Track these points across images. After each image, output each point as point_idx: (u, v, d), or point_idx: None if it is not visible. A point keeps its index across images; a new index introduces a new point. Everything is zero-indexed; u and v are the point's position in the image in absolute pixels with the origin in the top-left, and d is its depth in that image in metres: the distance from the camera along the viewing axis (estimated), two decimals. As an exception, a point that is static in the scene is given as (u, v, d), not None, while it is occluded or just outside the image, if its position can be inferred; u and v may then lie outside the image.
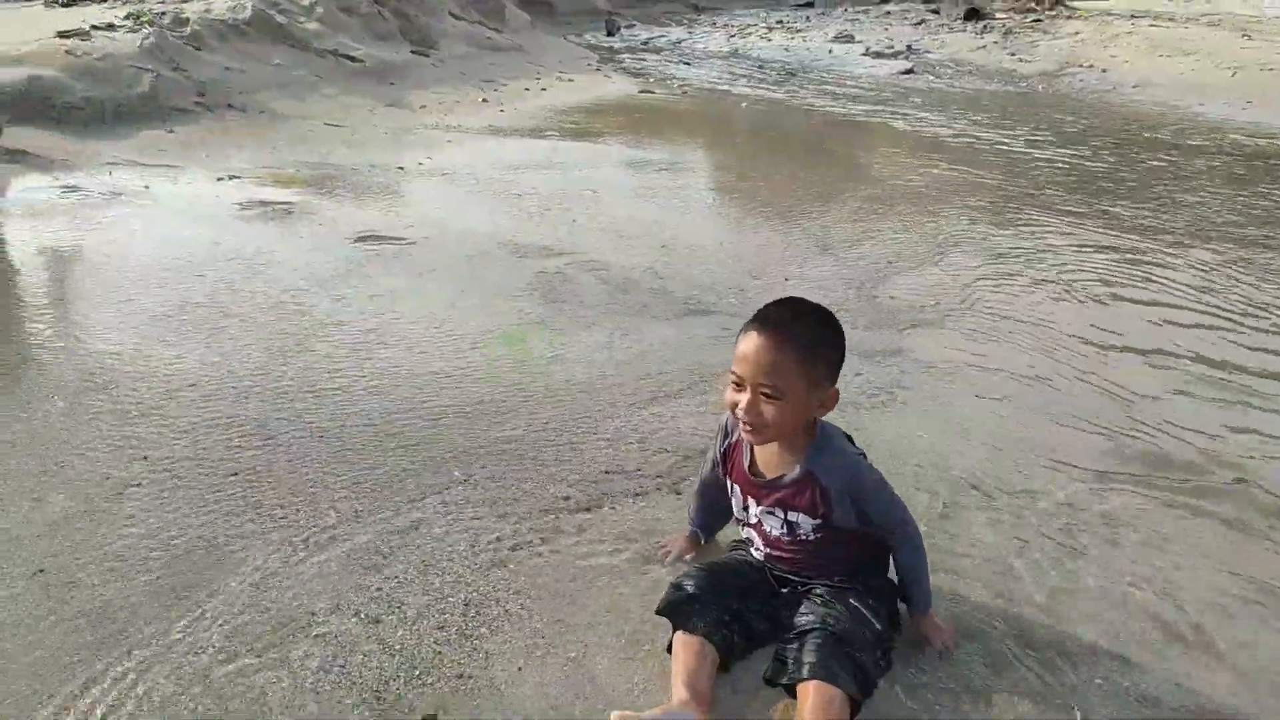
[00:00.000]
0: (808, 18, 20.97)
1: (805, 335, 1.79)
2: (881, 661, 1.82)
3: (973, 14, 18.75)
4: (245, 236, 4.61)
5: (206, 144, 6.40)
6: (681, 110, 9.80)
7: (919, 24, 18.91)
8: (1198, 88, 11.36)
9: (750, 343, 1.78)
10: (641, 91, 10.90)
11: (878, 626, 1.84)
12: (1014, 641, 2.00)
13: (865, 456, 1.94)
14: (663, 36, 18.85)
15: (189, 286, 3.88)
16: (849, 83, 12.94)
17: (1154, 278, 4.59)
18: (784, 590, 1.99)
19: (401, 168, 6.18)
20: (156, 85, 6.88)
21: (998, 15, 18.95)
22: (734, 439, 2.00)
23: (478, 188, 5.81)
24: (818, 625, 1.81)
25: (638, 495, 2.53)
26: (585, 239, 4.84)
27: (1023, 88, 12.67)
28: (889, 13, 21.31)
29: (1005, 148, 8.06)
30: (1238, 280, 4.60)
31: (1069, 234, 5.35)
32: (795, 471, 1.88)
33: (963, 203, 6.01)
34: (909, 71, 14.14)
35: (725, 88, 11.99)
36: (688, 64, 14.52)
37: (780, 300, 1.90)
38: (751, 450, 1.96)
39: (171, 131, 6.57)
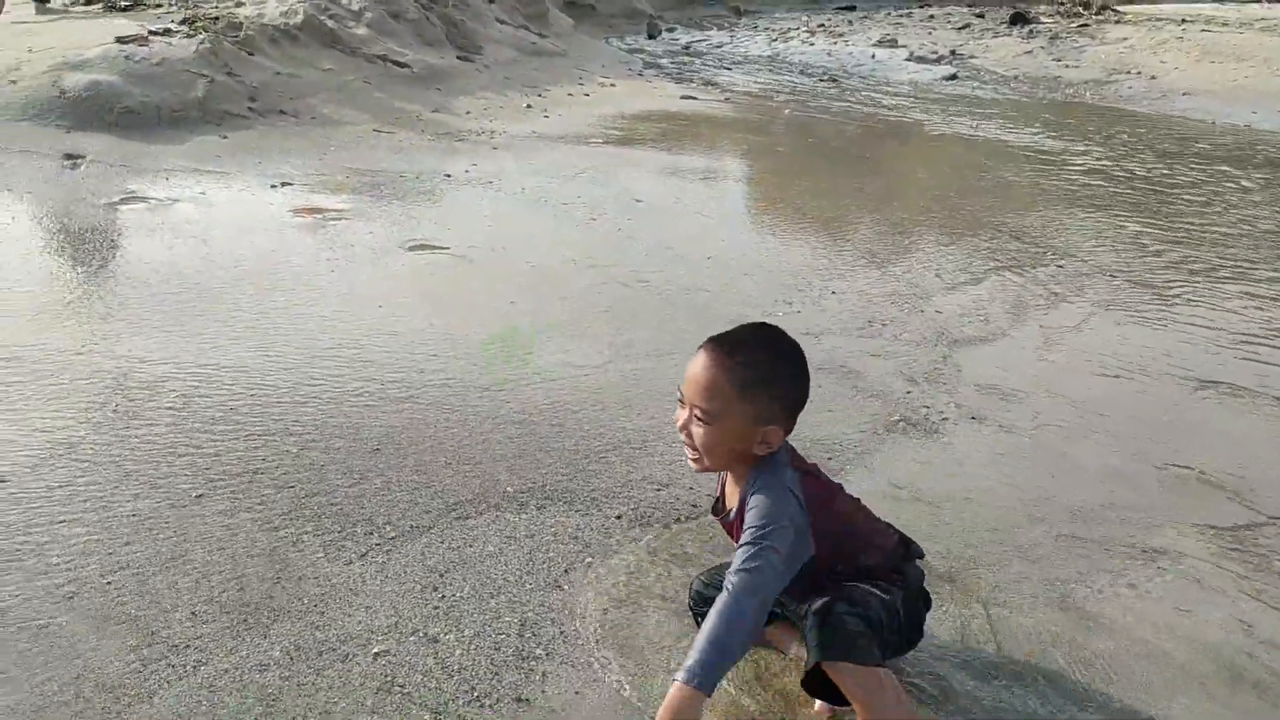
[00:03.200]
0: (850, 21, 20.82)
1: (752, 367, 1.70)
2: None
3: (1018, 19, 18.51)
4: (298, 245, 4.69)
5: (259, 149, 6.51)
6: (724, 117, 9.80)
7: (963, 28, 18.72)
8: (1252, 95, 11.13)
9: (697, 362, 1.73)
10: (684, 97, 10.90)
11: (885, 597, 1.77)
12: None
13: (797, 497, 1.72)
14: (704, 40, 18.83)
15: (242, 295, 3.96)
16: (892, 88, 12.85)
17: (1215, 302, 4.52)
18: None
19: (449, 175, 6.24)
20: (211, 90, 7.02)
21: (1043, 20, 18.70)
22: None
23: (523, 196, 5.86)
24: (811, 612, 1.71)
25: (689, 516, 2.54)
26: (631, 251, 4.86)
27: (1069, 95, 12.50)
28: (932, 16, 21.11)
29: (1051, 157, 7.96)
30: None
31: (1121, 254, 5.28)
32: (736, 506, 1.80)
33: (1009, 216, 5.95)
34: (953, 77, 14.01)
35: (767, 93, 11.96)
36: (729, 69, 14.49)
37: (747, 325, 1.82)
38: (723, 484, 1.91)
39: (225, 137, 6.69)
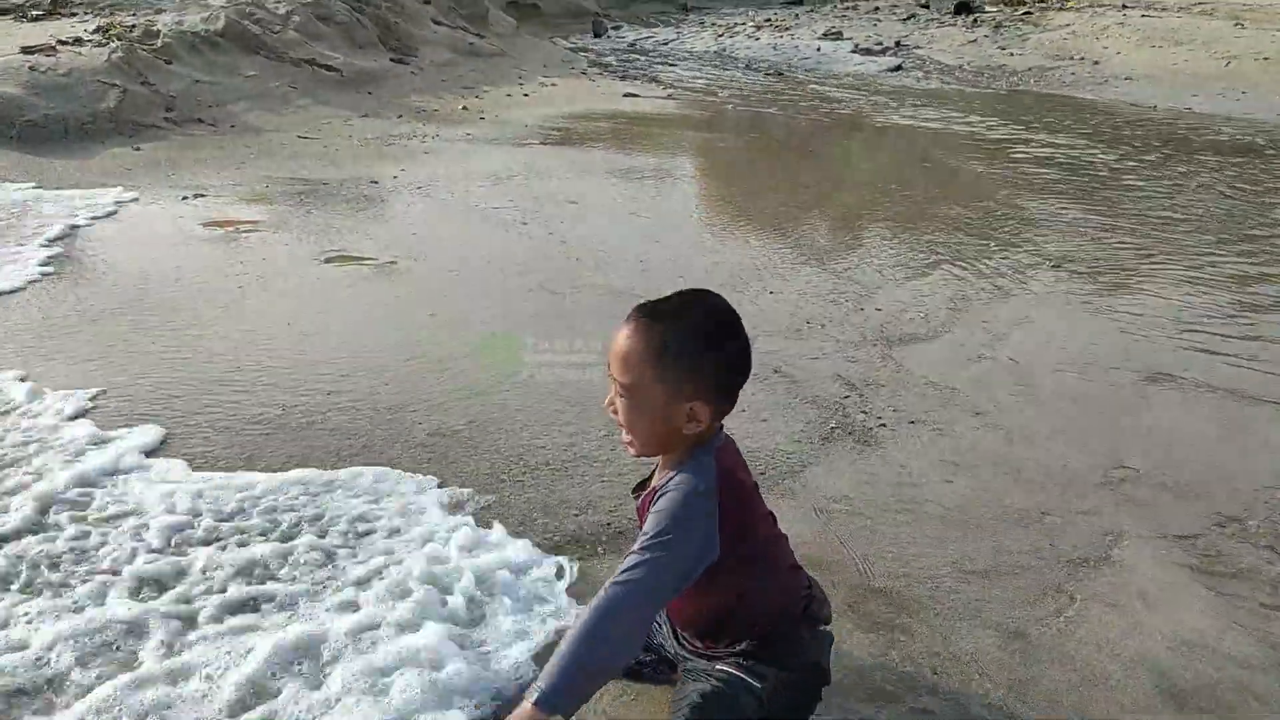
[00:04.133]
0: (796, 15, 20.77)
1: (672, 334, 1.49)
2: None
3: (963, 8, 18.58)
4: (206, 260, 4.42)
5: (173, 161, 6.20)
6: (667, 114, 9.62)
7: (908, 19, 18.75)
8: (1191, 79, 11.20)
9: (619, 331, 1.54)
10: (626, 95, 10.71)
11: (757, 686, 1.57)
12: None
13: (706, 492, 1.50)
14: (650, 37, 18.66)
15: (139, 316, 3.69)
16: (837, 81, 12.77)
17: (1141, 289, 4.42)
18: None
19: (375, 181, 5.99)
20: (123, 101, 6.68)
21: (988, 8, 18.79)
22: None
23: (451, 202, 5.62)
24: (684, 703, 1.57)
25: (608, 543, 2.35)
26: (561, 256, 4.65)
27: (1013, 83, 12.50)
28: (878, 8, 21.13)
29: (995, 146, 7.89)
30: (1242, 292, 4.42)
31: (1065, 243, 5.18)
32: (649, 492, 1.60)
33: (954, 208, 5.83)
34: (898, 68, 13.97)
35: (712, 89, 11.81)
36: (674, 65, 14.33)
37: (680, 292, 1.60)
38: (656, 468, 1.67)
39: (138, 149, 6.37)
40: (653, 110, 9.76)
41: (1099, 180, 6.66)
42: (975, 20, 17.48)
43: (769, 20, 19.86)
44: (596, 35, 19.36)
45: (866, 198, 6.15)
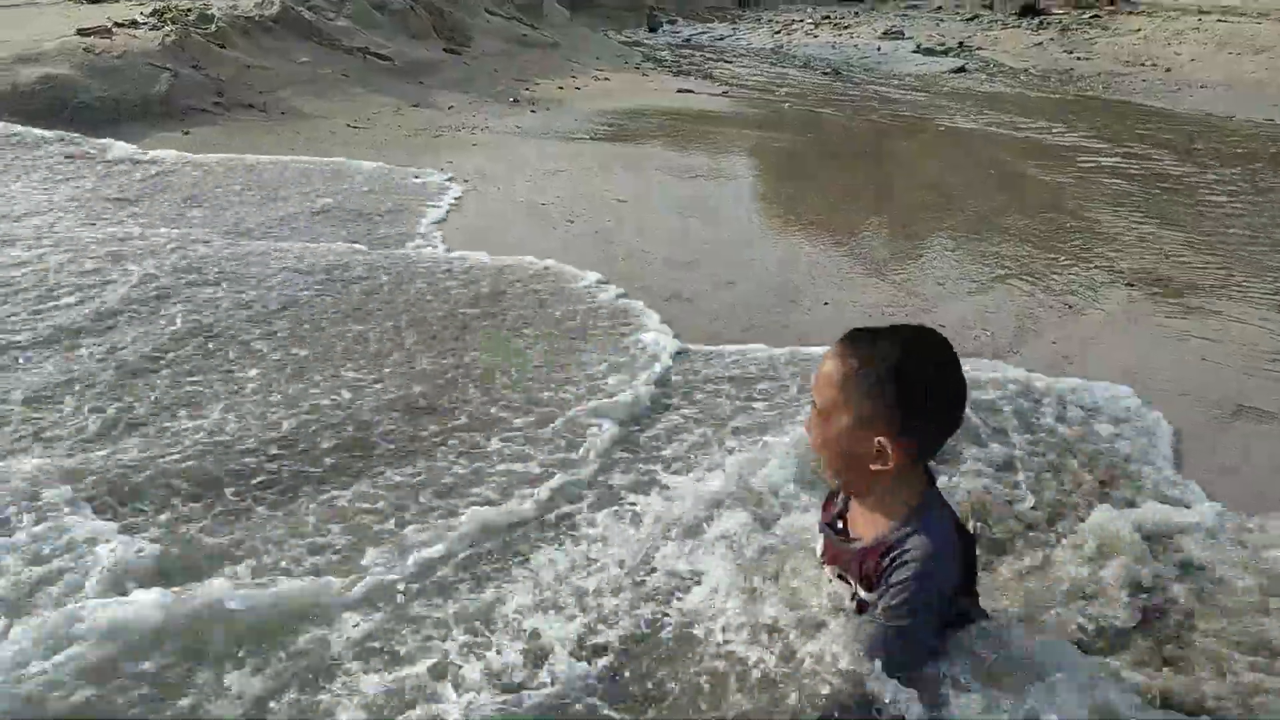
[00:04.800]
0: (856, 13, 20.40)
1: (868, 363, 1.53)
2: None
3: (1028, 9, 18.07)
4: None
5: (220, 146, 6.16)
6: (721, 112, 9.41)
7: (971, 19, 18.29)
8: (1270, 90, 10.70)
9: (826, 353, 1.61)
10: (680, 91, 10.52)
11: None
12: None
13: (938, 564, 1.54)
14: (706, 33, 18.43)
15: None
16: (898, 81, 12.44)
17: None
18: None
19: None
20: (174, 84, 6.67)
21: (1054, 11, 18.25)
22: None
23: (497, 196, 5.49)
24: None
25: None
26: (605, 255, 4.49)
27: (1081, 88, 12.07)
28: (940, 8, 20.68)
29: (1063, 154, 7.56)
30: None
31: (1139, 260, 4.89)
32: (871, 538, 1.62)
33: (1019, 219, 5.56)
34: (961, 70, 13.58)
35: (768, 87, 11.57)
36: (729, 62, 14.10)
37: (896, 325, 1.63)
38: (849, 503, 1.71)
39: (187, 133, 6.34)
40: (707, 108, 9.55)
41: (1173, 194, 6.32)
42: (1041, 23, 16.98)
43: (827, 18, 19.51)
44: (651, 30, 19.18)
45: (927, 204, 5.90)
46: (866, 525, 1.63)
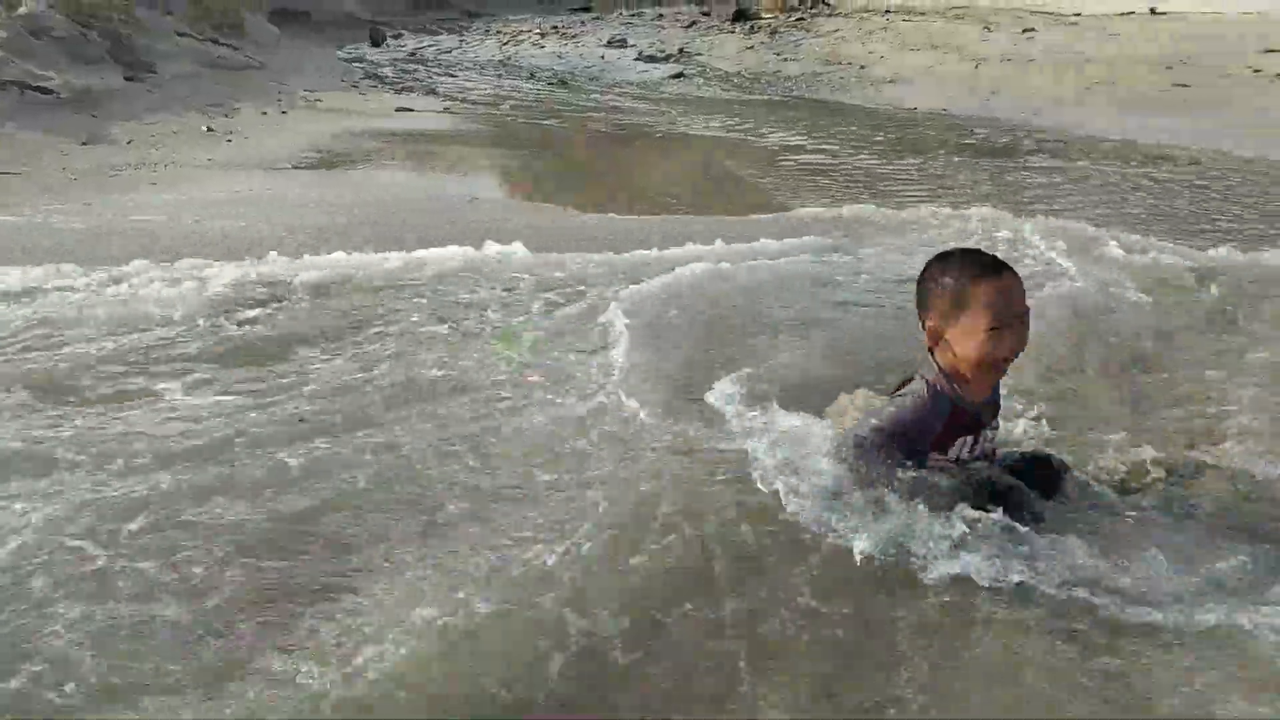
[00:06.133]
0: (583, 22, 20.72)
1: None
2: None
3: (740, 15, 19.09)
4: None
5: None
6: (442, 131, 9.14)
7: (690, 26, 19.07)
8: (948, 82, 11.85)
9: (1014, 280, 1.89)
10: (399, 110, 10.14)
11: None
12: None
13: (918, 401, 1.91)
14: (432, 46, 18.03)
15: None
16: (620, 89, 12.69)
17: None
18: None
19: (76, 226, 5.19)
20: None
21: (764, 16, 19.40)
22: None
23: (172, 232, 4.95)
24: None
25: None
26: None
27: (787, 88, 12.84)
28: (662, 15, 21.43)
29: (772, 154, 7.94)
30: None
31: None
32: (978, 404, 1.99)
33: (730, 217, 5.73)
34: (679, 75, 14.08)
35: (493, 101, 11.42)
36: (455, 76, 13.85)
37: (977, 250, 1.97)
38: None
39: None
40: (427, 127, 9.25)
41: (862, 184, 6.77)
42: (752, 27, 17.98)
43: (556, 27, 19.68)
44: (375, 44, 18.51)
45: (644, 212, 5.95)
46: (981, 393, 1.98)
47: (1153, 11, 13.04)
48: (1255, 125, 7.90)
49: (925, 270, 1.92)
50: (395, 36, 19.27)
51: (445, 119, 9.91)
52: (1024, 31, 13.26)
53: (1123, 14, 13.30)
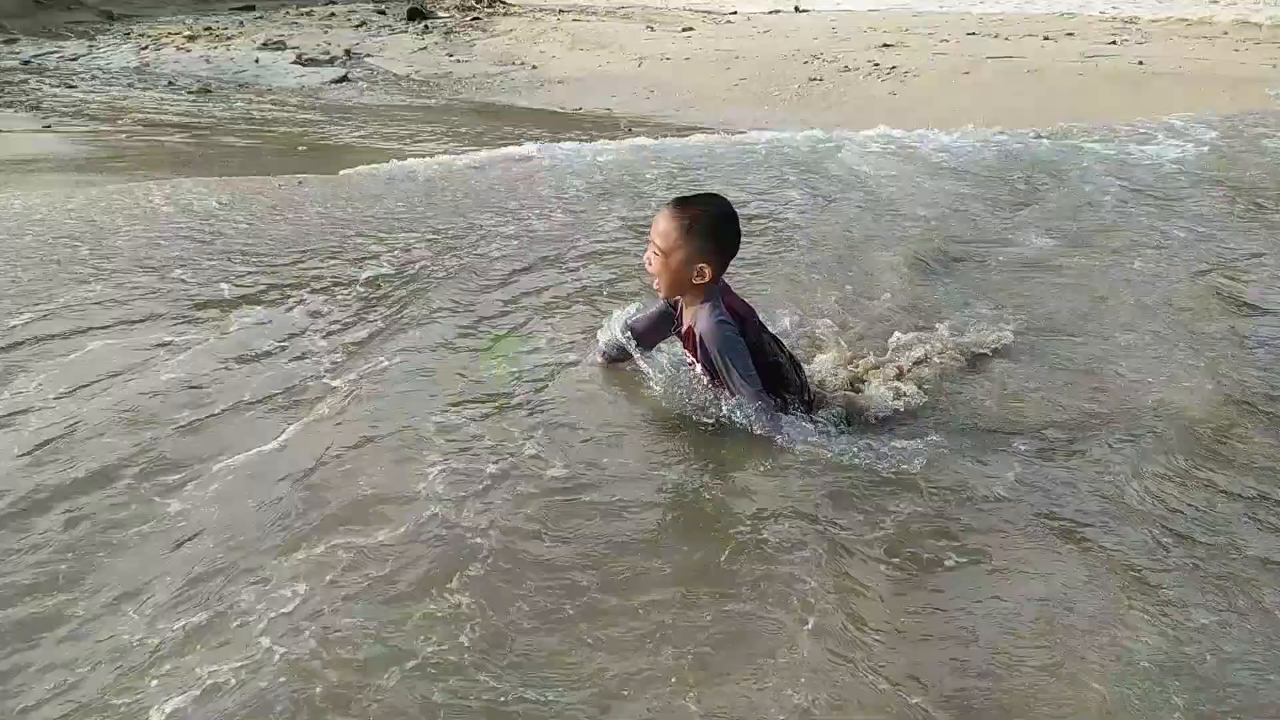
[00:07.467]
0: (241, 23, 18.96)
1: (696, 217, 2.69)
2: None
3: (415, 14, 18.33)
4: None
5: None
6: (31, 155, 7.77)
7: (360, 25, 18.06)
8: (613, 80, 11.93)
9: (660, 215, 2.74)
10: (-19, 131, 8.54)
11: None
12: None
13: (734, 326, 2.71)
14: (55, 53, 15.66)
15: None
16: (274, 96, 11.62)
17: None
18: None
19: None
20: None
21: (440, 14, 18.78)
22: None
23: None
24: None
25: None
26: None
27: (457, 91, 12.37)
28: (334, 14, 20.16)
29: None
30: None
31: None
32: (683, 325, 2.87)
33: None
34: (343, 80, 13.15)
35: (112, 115, 9.97)
36: (74, 87, 12.05)
37: (704, 193, 2.89)
38: (680, 309, 2.91)
39: None
40: (16, 150, 7.82)
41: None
42: (427, 27, 17.32)
43: (208, 29, 17.85)
44: (-20, 52, 15.79)
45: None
46: (689, 319, 2.83)
47: (796, 9, 13.92)
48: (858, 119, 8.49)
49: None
50: (8, 41, 16.55)
51: (44, 139, 8.48)
52: (683, 30, 13.68)
53: (771, 11, 14.09)
